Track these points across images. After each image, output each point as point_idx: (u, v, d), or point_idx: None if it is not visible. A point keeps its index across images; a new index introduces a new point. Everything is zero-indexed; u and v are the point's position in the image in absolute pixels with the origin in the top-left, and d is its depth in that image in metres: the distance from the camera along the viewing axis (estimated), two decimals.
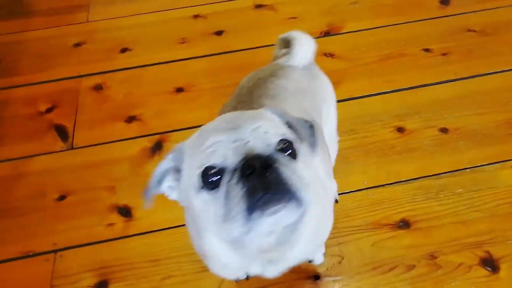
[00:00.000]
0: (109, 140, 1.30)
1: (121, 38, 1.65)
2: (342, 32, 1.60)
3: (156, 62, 1.55)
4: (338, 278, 0.96)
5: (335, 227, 1.03)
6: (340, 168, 1.16)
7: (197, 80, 1.47)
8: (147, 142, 1.29)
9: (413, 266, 0.97)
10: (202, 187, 0.48)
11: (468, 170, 1.13)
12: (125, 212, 1.13)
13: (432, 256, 0.98)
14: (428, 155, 1.18)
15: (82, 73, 1.52)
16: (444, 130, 1.23)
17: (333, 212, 0.76)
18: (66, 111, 1.40)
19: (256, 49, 1.56)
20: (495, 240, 0.99)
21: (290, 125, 0.56)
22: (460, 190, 1.09)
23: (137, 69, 1.53)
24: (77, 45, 1.64)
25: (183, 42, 1.62)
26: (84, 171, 1.23)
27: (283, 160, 0.47)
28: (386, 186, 1.12)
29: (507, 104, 1.28)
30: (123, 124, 1.35)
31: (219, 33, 1.64)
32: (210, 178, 0.47)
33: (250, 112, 0.56)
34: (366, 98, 1.35)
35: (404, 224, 1.04)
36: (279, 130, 0.51)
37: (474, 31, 1.54)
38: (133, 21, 1.73)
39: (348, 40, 1.56)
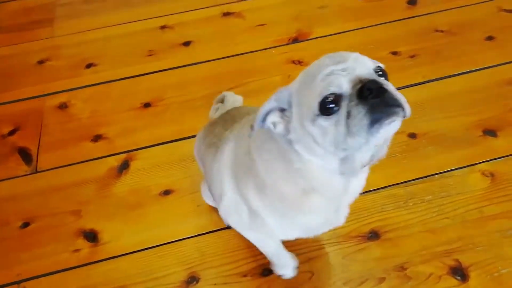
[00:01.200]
0: (75, 161, 1.26)
1: (86, 53, 1.61)
2: (311, 37, 1.58)
3: (123, 77, 1.51)
4: None
5: (304, 242, 1.02)
6: None
7: (165, 93, 1.44)
8: (114, 161, 1.25)
9: (384, 279, 0.96)
10: (319, 115, 0.55)
11: (437, 175, 1.13)
12: (92, 237, 1.09)
13: (402, 268, 0.97)
14: (397, 162, 1.17)
15: (46, 92, 1.48)
16: (412, 136, 1.23)
17: None
18: (29, 132, 1.36)
19: (225, 59, 1.54)
20: (464, 247, 0.99)
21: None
22: (429, 197, 1.08)
23: (102, 85, 1.50)
24: (40, 62, 1.60)
25: (150, 55, 1.59)
26: (49, 195, 1.19)
27: (384, 82, 0.54)
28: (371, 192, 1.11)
29: (475, 106, 1.29)
30: (89, 143, 1.31)
31: (186, 43, 1.61)
32: (328, 105, 0.54)
33: (343, 52, 0.60)
34: None
35: (374, 235, 1.03)
36: (369, 58, 0.58)
37: (442, 31, 1.54)
38: (99, 35, 1.69)
39: (316, 46, 1.55)
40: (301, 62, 1.49)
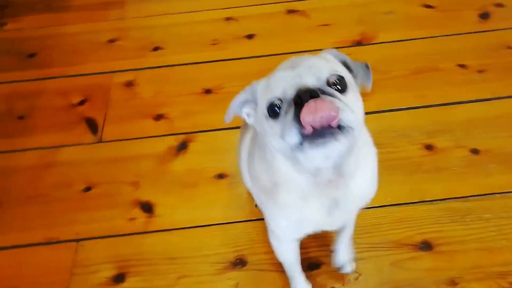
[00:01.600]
0: (137, 136, 1.33)
1: (154, 37, 1.68)
2: (374, 42, 1.57)
3: (187, 62, 1.57)
4: None
5: (354, 242, 1.02)
6: None
7: (225, 82, 1.48)
8: (173, 141, 1.30)
9: None
10: (269, 116, 0.58)
11: (498, 195, 1.09)
12: (147, 208, 1.15)
13: (453, 282, 0.95)
14: (457, 176, 1.14)
15: (114, 69, 1.56)
16: (475, 151, 1.19)
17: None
18: (97, 105, 1.44)
19: (286, 55, 1.55)
20: None
21: (345, 64, 0.64)
22: (488, 215, 1.05)
23: (167, 68, 1.56)
24: (110, 41, 1.68)
25: (214, 44, 1.63)
26: (111, 164, 1.26)
27: (330, 91, 0.55)
28: (410, 204, 1.09)
29: None
30: (151, 121, 1.37)
31: (250, 36, 1.65)
32: (274, 109, 0.57)
33: (311, 56, 0.63)
34: (395, 112, 1.32)
35: (426, 246, 1.01)
36: (332, 67, 0.59)
37: None
38: (166, 21, 1.76)
39: (380, 51, 1.53)
40: None
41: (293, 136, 0.53)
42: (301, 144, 0.53)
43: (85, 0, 1.91)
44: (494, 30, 1.56)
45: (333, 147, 0.53)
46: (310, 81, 0.56)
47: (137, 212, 1.14)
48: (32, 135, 1.36)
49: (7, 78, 1.55)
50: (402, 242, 1.02)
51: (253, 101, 0.64)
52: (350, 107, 0.54)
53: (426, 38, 1.56)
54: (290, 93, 0.55)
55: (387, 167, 1.17)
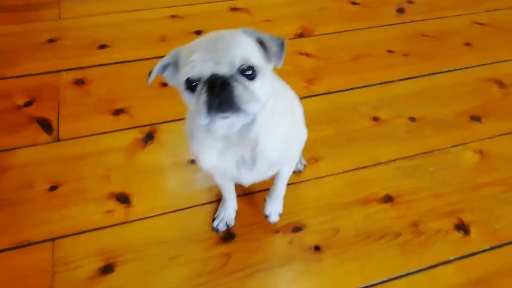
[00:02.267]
0: (98, 132, 1.29)
1: (98, 35, 1.64)
2: (315, 34, 1.73)
3: (138, 58, 1.56)
4: (336, 247, 1.05)
5: (329, 204, 1.13)
6: (327, 153, 1.26)
7: None
8: (138, 133, 1.29)
9: (400, 234, 1.08)
10: (186, 89, 0.67)
11: (436, 152, 1.29)
12: (123, 199, 1.12)
13: (415, 224, 1.10)
14: (402, 140, 1.32)
15: (59, 68, 1.49)
16: (412, 119, 1.39)
17: (302, 148, 0.96)
18: (47, 104, 1.36)
19: None
20: (464, 209, 1.14)
21: (261, 42, 0.70)
22: (432, 169, 1.24)
23: (118, 64, 1.53)
24: (50, 41, 1.60)
25: (163, 40, 1.65)
26: (75, 162, 1.20)
27: (240, 79, 0.65)
28: (369, 167, 1.24)
29: (461, 97, 1.48)
30: (110, 116, 1.34)
31: (198, 32, 1.69)
32: (190, 84, 0.66)
33: (228, 35, 0.69)
34: (343, 92, 1.48)
35: (388, 199, 1.16)
36: (245, 54, 0.66)
37: (428, 36, 1.75)
38: (107, 20, 1.73)
39: (320, 42, 1.69)
40: (309, 54, 1.62)
41: (204, 117, 0.65)
42: (208, 115, 0.64)
43: (16, 1, 1.78)
44: (410, 22, 1.83)
45: (235, 121, 0.68)
46: (224, 69, 0.64)
47: (114, 204, 1.11)
48: None
49: None
50: (368, 198, 1.15)
51: (174, 66, 0.72)
52: (254, 93, 0.65)
53: (357, 29, 1.76)
54: (206, 76, 0.64)
55: (345, 138, 1.32)
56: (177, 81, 0.70)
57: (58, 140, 1.26)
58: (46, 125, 1.29)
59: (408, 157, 1.27)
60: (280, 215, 1.09)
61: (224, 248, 1.04)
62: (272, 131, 0.77)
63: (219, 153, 0.80)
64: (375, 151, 1.28)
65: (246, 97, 0.64)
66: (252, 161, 0.80)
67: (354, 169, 1.23)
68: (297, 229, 1.08)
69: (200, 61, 0.64)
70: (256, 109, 0.66)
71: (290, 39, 1.70)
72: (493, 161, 1.27)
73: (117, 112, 1.35)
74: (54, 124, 1.30)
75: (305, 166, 1.22)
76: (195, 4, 1.83)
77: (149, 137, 1.28)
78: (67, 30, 1.66)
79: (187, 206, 1.12)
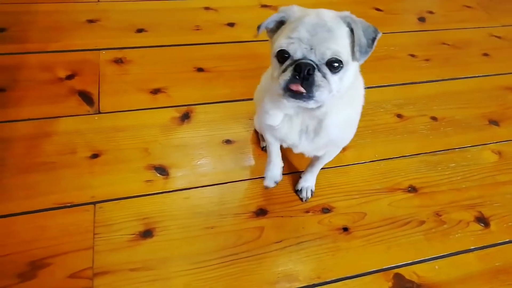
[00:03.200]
0: (137, 108, 1.34)
1: (135, 20, 1.70)
2: None
3: (173, 43, 1.62)
4: (364, 230, 1.10)
5: (356, 190, 1.18)
6: (354, 143, 1.32)
7: (215, 63, 1.56)
8: (175, 112, 1.35)
9: (424, 222, 1.14)
10: (275, 56, 0.74)
11: (457, 150, 1.35)
12: (162, 170, 1.17)
13: (438, 214, 1.16)
14: (424, 137, 1.39)
15: (99, 47, 1.54)
16: (434, 119, 1.46)
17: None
18: (88, 79, 1.41)
19: (265, 41, 1.70)
20: (484, 203, 1.21)
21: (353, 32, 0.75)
22: (453, 164, 1.30)
23: (155, 48, 1.59)
24: (90, 21, 1.66)
25: (197, 29, 1.71)
26: (115, 133, 1.25)
27: (324, 70, 0.72)
28: (394, 159, 1.30)
29: (479, 102, 1.56)
30: (148, 95, 1.39)
31: (231, 24, 1.76)
32: (282, 55, 0.73)
33: (330, 23, 0.73)
34: (369, 89, 1.54)
35: (413, 189, 1.22)
36: (337, 49, 0.72)
37: (448, 44, 1.83)
38: (144, 7, 1.79)
39: None
40: None
41: (280, 90, 0.73)
42: (284, 93, 0.73)
43: None
44: (430, 30, 1.91)
45: (305, 104, 0.75)
46: (315, 58, 0.71)
47: (153, 175, 1.16)
48: (19, 107, 1.28)
49: None
50: (394, 187, 1.21)
51: (280, 23, 0.77)
52: (332, 85, 0.72)
53: (382, 33, 1.83)
54: (297, 57, 0.72)
55: (371, 131, 1.38)
56: (274, 42, 0.76)
57: (99, 112, 1.31)
58: (87, 98, 1.34)
59: (431, 152, 1.33)
60: (312, 194, 1.14)
61: (258, 222, 1.09)
62: (340, 111, 0.84)
63: (287, 117, 0.88)
64: (399, 145, 1.35)
65: (322, 87, 0.71)
66: (315, 133, 0.88)
67: (380, 159, 1.29)
68: (326, 210, 1.14)
69: (298, 41, 0.71)
70: (326, 99, 0.73)
71: None
72: (511, 162, 1.34)
73: (155, 91, 1.41)
74: (95, 97, 1.35)
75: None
76: None
77: (185, 116, 1.34)
78: (105, 12, 1.72)
79: (223, 181, 1.17)
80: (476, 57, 1.78)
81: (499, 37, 1.92)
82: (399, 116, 1.45)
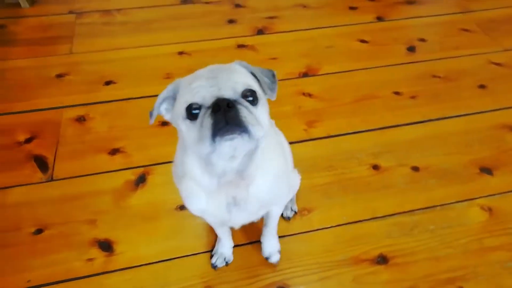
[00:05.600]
0: (92, 172, 1.29)
1: (105, 71, 1.67)
2: (319, 73, 1.70)
3: (141, 95, 1.57)
4: None
5: (317, 262, 1.06)
6: (321, 203, 1.21)
7: None
8: (130, 175, 1.29)
9: None
10: (186, 117, 0.65)
11: (438, 207, 1.21)
12: (106, 246, 1.11)
13: None
14: (402, 192, 1.25)
15: (64, 104, 1.52)
16: (415, 169, 1.31)
17: (295, 192, 0.97)
18: (46, 142, 1.38)
19: None
20: (467, 276, 1.05)
21: (254, 75, 0.72)
22: (432, 227, 1.16)
23: (121, 102, 1.55)
24: (59, 76, 1.65)
25: (168, 78, 1.66)
26: (64, 203, 1.21)
27: (244, 103, 0.64)
28: (364, 221, 1.17)
29: (471, 146, 1.39)
30: (106, 156, 1.34)
31: None
32: (192, 111, 0.64)
33: (226, 66, 0.71)
34: (343, 137, 1.42)
35: (382, 260, 1.08)
36: (246, 81, 0.67)
37: (439, 77, 1.68)
38: (117, 55, 1.76)
39: (325, 81, 1.66)
40: (311, 95, 1.59)
41: (209, 142, 0.62)
42: (213, 139, 0.62)
43: (33, 34, 1.86)
44: (420, 62, 1.76)
45: (241, 142, 0.63)
46: (228, 93, 0.64)
47: (96, 252, 1.10)
48: None
49: None
50: (360, 258, 1.08)
51: (173, 98, 0.72)
52: (258, 119, 0.65)
53: (364, 69, 1.71)
54: (209, 101, 0.63)
55: (341, 188, 1.26)
56: (176, 112, 0.69)
57: (52, 179, 1.27)
58: (42, 164, 1.31)
59: (408, 211, 1.19)
60: (279, 253, 1.06)
61: None
62: (265, 168, 0.76)
63: (210, 195, 0.78)
64: (372, 203, 1.22)
65: (251, 120, 0.63)
66: (245, 201, 0.79)
67: (348, 223, 1.16)
68: None
69: (203, 87, 0.64)
70: (261, 134, 0.65)
71: (293, 78, 1.67)
72: (503, 221, 1.17)
73: (114, 152, 1.36)
74: (50, 162, 1.31)
75: (295, 213, 1.17)
76: (203, 40, 1.85)
77: (141, 180, 1.27)
78: (76, 65, 1.70)
79: (171, 256, 1.09)
80: (471, 90, 1.62)
81: (499, 64, 1.74)
82: (375, 167, 1.32)
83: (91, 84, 1.62)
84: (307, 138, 1.41)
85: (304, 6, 2.08)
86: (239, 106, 0.63)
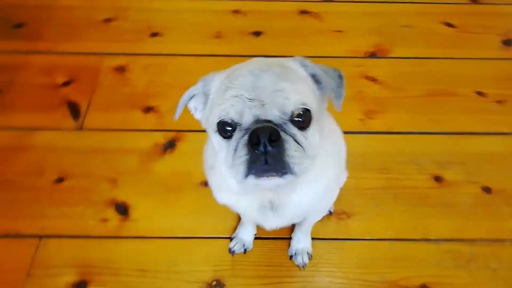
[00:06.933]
0: (122, 128, 1.21)
1: (153, 21, 1.56)
2: (389, 56, 1.46)
3: (185, 53, 1.45)
4: None
5: (346, 277, 0.92)
6: (365, 209, 1.04)
7: None
8: (161, 138, 1.19)
9: None
10: (218, 132, 0.53)
11: (508, 242, 0.99)
12: (123, 209, 1.04)
13: None
14: (465, 215, 1.04)
15: (106, 51, 1.43)
16: (487, 190, 1.09)
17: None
18: (83, 88, 1.32)
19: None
20: None
21: (315, 76, 0.57)
22: (496, 265, 0.95)
23: (164, 56, 1.44)
24: (107, 20, 1.56)
25: (217, 37, 1.51)
26: (89, 156, 1.14)
27: (292, 131, 0.51)
28: (412, 241, 0.99)
29: None
30: (139, 113, 1.26)
31: (257, 33, 1.53)
32: (224, 128, 0.52)
33: (277, 63, 0.55)
34: (406, 135, 1.22)
35: None
36: (300, 96, 0.52)
37: None
38: (168, 6, 1.63)
39: (394, 66, 1.42)
40: (376, 79, 1.37)
41: (241, 177, 0.51)
42: (246, 176, 0.51)
43: None
44: None
45: (281, 182, 0.52)
46: (273, 114, 0.50)
47: (111, 213, 1.03)
48: (8, 112, 1.24)
49: None
50: (399, 284, 0.92)
51: (204, 94, 0.59)
52: (308, 147, 0.52)
53: (444, 58, 1.45)
54: (247, 120, 0.50)
55: (392, 195, 1.08)
56: (206, 117, 0.57)
57: (82, 128, 1.21)
58: (75, 110, 1.25)
59: (468, 240, 0.99)
60: (310, 258, 0.93)
61: None
62: (316, 177, 0.62)
63: (241, 195, 0.67)
64: (426, 221, 1.03)
65: (299, 156, 0.51)
66: (284, 206, 0.67)
67: (393, 239, 0.99)
68: None
69: (240, 99, 0.51)
70: (308, 168, 0.52)
71: (358, 57, 1.46)
72: None
73: (147, 110, 1.27)
74: (83, 110, 1.25)
75: (330, 213, 1.02)
76: (261, 0, 1.66)
77: (170, 145, 1.18)
78: (124, 10, 1.60)
79: (188, 235, 0.99)
80: None
81: None
82: (437, 179, 1.11)
83: (137, 33, 1.51)
84: (362, 130, 1.22)
85: None
86: (285, 139, 0.50)
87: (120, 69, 1.38)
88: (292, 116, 0.51)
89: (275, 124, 0.50)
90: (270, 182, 0.52)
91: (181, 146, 1.17)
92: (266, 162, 0.49)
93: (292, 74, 0.54)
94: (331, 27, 1.57)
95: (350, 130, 1.21)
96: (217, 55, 1.45)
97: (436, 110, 1.28)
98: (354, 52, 1.48)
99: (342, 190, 0.96)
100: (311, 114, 0.53)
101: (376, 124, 1.24)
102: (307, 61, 0.57)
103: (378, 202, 1.06)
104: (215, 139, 0.55)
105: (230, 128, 0.52)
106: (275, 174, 0.51)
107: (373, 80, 1.37)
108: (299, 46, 1.49)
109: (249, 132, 0.50)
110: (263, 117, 0.50)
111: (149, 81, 1.35)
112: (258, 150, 0.49)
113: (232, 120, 0.51)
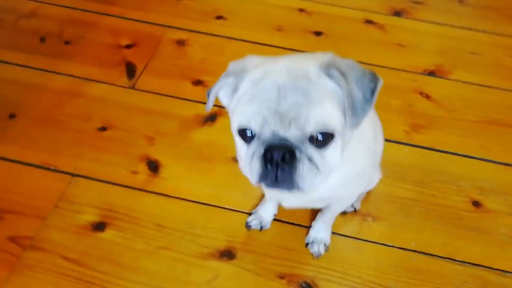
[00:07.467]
0: (170, 94, 1.26)
1: (221, 4, 1.62)
2: (449, 77, 1.41)
3: (244, 39, 1.49)
4: None
5: (359, 277, 0.88)
6: (392, 217, 1.00)
7: None
8: (204, 110, 1.21)
9: None
10: (237, 133, 0.57)
11: None
12: (154, 166, 1.07)
13: None
14: (499, 245, 0.97)
15: (171, 24, 1.51)
16: None
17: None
18: (143, 52, 1.39)
19: None
20: None
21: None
22: None
23: (223, 38, 1.48)
24: None
25: (278, 30, 1.54)
26: (134, 113, 1.20)
27: (307, 151, 0.52)
28: (436, 257, 0.94)
29: None
30: (189, 84, 1.30)
31: (318, 33, 1.54)
32: (244, 134, 0.55)
33: (305, 80, 0.53)
34: (451, 155, 1.16)
35: None
36: (324, 116, 0.52)
37: None
38: None
39: (452, 88, 1.37)
40: (430, 97, 1.33)
41: (253, 180, 0.56)
42: (259, 182, 0.55)
43: None
44: None
45: (292, 193, 0.55)
46: (292, 135, 0.52)
47: (142, 168, 1.07)
48: (71, 61, 1.33)
49: (67, 2, 1.54)
50: None
51: (233, 88, 0.59)
52: (321, 166, 0.53)
53: (507, 90, 1.38)
54: (266, 134, 0.53)
55: (424, 210, 1.02)
56: (231, 112, 0.59)
57: (133, 88, 1.27)
58: (131, 71, 1.32)
59: (498, 270, 0.92)
60: (326, 250, 0.91)
61: (217, 264, 0.90)
62: (343, 165, 0.59)
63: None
64: (455, 241, 0.97)
65: (310, 176, 0.53)
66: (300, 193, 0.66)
67: (416, 251, 0.94)
68: (306, 285, 0.87)
69: (261, 115, 0.52)
70: (319, 184, 0.54)
71: (416, 72, 1.42)
72: None
73: (197, 83, 1.31)
74: (138, 72, 1.32)
75: (355, 210, 0.99)
76: (329, 4, 1.67)
77: (211, 118, 1.21)
78: None
79: (211, 203, 1.01)
80: None
81: None
82: (476, 203, 1.05)
83: (203, 14, 1.58)
84: (405, 142, 1.18)
85: (460, 1, 1.75)
86: (299, 158, 0.52)
87: (180, 43, 1.44)
88: (310, 137, 0.52)
89: (292, 144, 0.52)
90: (281, 191, 0.56)
91: (221, 121, 1.20)
92: (276, 178, 0.53)
93: (319, 89, 0.53)
94: (394, 40, 1.54)
95: (392, 139, 1.18)
96: (274, 46, 1.47)
97: (489, 138, 1.21)
98: (412, 67, 1.45)
99: (372, 193, 0.94)
100: (334, 132, 0.53)
101: (421, 138, 1.20)
102: (341, 63, 0.54)
103: (408, 212, 1.01)
104: (236, 137, 0.58)
105: (249, 136, 0.55)
106: (284, 188, 0.54)
107: (427, 97, 1.33)
108: (357, 52, 1.48)
109: (265, 146, 0.52)
110: (281, 134, 0.51)
111: (204, 58, 1.40)
112: (270, 167, 0.52)
113: (252, 131, 0.54)
